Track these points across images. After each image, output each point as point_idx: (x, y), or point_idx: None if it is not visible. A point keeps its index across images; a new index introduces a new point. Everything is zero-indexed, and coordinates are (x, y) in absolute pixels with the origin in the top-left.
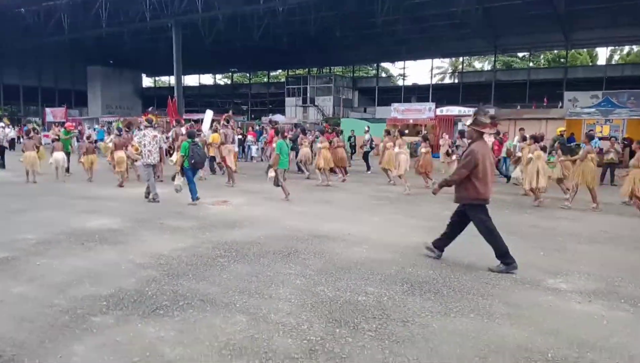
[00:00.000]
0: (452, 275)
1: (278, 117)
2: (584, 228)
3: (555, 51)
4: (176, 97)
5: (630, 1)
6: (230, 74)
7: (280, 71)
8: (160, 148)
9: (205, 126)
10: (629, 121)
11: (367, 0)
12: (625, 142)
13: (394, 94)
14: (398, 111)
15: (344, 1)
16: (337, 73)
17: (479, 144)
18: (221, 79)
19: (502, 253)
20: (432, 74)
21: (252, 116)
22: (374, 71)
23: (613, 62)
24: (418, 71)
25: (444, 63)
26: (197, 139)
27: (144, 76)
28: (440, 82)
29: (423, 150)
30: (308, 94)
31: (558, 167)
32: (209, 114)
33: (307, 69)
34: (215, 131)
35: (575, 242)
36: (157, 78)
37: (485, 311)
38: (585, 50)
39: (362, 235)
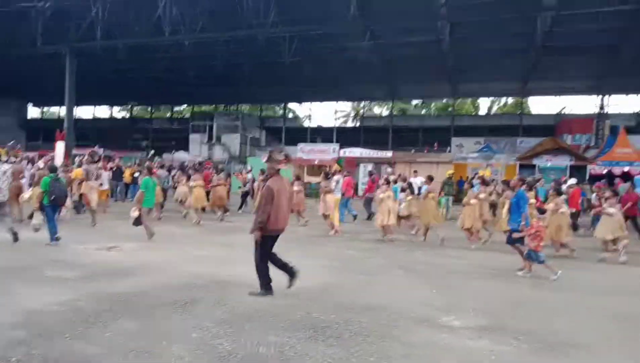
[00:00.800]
0: (354, 317)
1: (181, 154)
2: (469, 265)
3: (444, 100)
4: (65, 130)
5: (505, 59)
6: (130, 106)
7: (185, 106)
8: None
9: (58, 161)
10: (507, 166)
11: (275, 41)
12: (504, 185)
13: (300, 134)
14: (304, 151)
15: (253, 40)
16: (245, 111)
17: (275, 180)
18: (119, 112)
19: (265, 285)
20: (336, 116)
21: (153, 151)
22: (281, 111)
23: (492, 113)
24: (324, 113)
25: (346, 107)
26: (61, 175)
27: (30, 105)
28: (343, 124)
29: (295, 188)
30: (214, 132)
31: (406, 205)
32: (60, 147)
33: (213, 106)
34: (80, 165)
35: (464, 279)
36: (45, 109)
37: (384, 353)
38: (469, 100)
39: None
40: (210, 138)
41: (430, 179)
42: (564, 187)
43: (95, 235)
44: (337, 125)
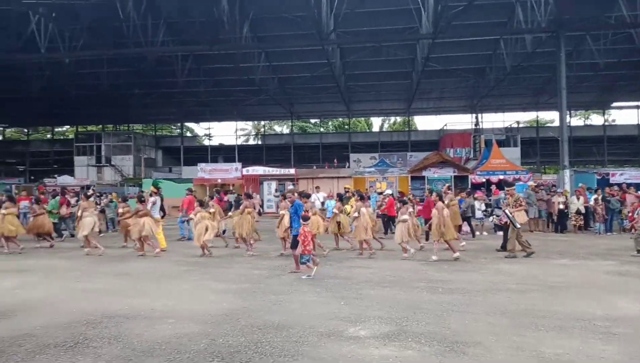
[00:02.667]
0: (264, 339)
1: (65, 178)
2: (373, 275)
3: (340, 119)
4: None
5: (389, 81)
6: (1, 128)
7: (67, 127)
8: None
9: None
10: (400, 178)
11: (167, 60)
12: (399, 196)
13: (200, 153)
14: (205, 171)
15: (141, 59)
16: (138, 131)
17: None
18: None
19: None
20: (236, 135)
21: (32, 177)
22: (178, 130)
23: (384, 130)
24: (223, 131)
25: (247, 125)
26: None
27: None
28: (245, 143)
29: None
30: (103, 153)
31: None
32: None
33: (100, 126)
34: None
35: (369, 288)
36: None
37: None
38: (363, 119)
39: (168, 308)
40: (98, 159)
41: (339, 197)
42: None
43: None
44: (238, 144)
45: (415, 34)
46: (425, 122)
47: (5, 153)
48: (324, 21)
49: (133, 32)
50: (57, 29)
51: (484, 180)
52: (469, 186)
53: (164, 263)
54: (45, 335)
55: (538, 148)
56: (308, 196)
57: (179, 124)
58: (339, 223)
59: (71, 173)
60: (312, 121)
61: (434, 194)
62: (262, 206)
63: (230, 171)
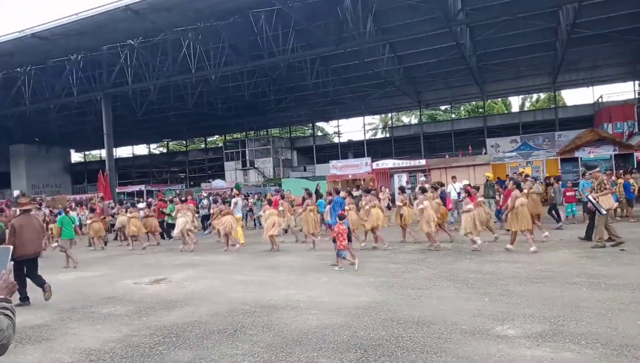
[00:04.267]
0: (404, 334)
1: (218, 182)
2: (522, 269)
3: (474, 102)
4: (108, 171)
5: (528, 55)
6: (165, 142)
7: (217, 136)
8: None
9: None
10: (547, 161)
11: (297, 65)
12: (547, 181)
13: (331, 151)
14: (336, 167)
15: (274, 67)
16: (275, 135)
17: (20, 218)
18: (156, 149)
19: (22, 298)
20: (364, 130)
21: (191, 183)
22: (310, 131)
23: (525, 109)
24: (352, 128)
25: (374, 119)
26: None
27: (72, 151)
28: (373, 137)
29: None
30: (247, 157)
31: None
32: None
33: (244, 133)
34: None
35: (517, 284)
36: (87, 152)
37: None
38: (499, 100)
39: (312, 299)
40: (244, 163)
41: (466, 191)
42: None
43: (144, 269)
44: (367, 138)
45: None
46: (576, 97)
47: (170, 163)
48: (450, 2)
49: (267, 44)
50: (203, 50)
51: None
52: (635, 166)
53: (306, 257)
54: (209, 322)
55: None
56: (368, 191)
57: (310, 125)
58: (401, 216)
59: (222, 176)
60: (442, 107)
61: (511, 182)
62: (392, 200)
63: (361, 166)
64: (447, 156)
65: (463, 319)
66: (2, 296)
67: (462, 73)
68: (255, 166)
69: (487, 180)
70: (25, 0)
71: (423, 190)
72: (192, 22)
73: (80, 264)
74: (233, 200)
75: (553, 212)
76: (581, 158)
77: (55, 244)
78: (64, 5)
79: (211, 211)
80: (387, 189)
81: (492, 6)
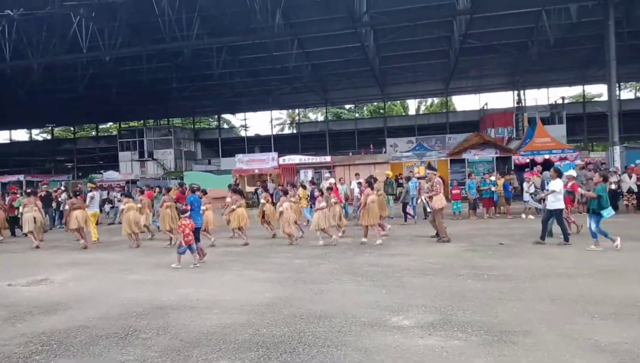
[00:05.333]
0: (307, 329)
1: (111, 173)
2: (414, 262)
3: (375, 103)
4: None
5: (425, 61)
6: (50, 128)
7: (111, 123)
8: None
9: None
10: (439, 162)
11: (202, 53)
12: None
13: (237, 144)
14: (242, 161)
15: (177, 53)
16: (177, 125)
17: None
18: (39, 135)
19: None
20: (272, 125)
21: (80, 174)
22: (215, 123)
23: (421, 112)
24: (259, 122)
25: (282, 114)
26: None
27: None
28: (280, 132)
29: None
30: (145, 148)
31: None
32: None
33: (142, 121)
34: None
35: (410, 276)
36: None
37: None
38: (398, 102)
39: (213, 298)
40: (141, 154)
41: (368, 183)
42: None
43: (20, 269)
44: (274, 133)
45: (452, 10)
46: (465, 103)
47: (55, 151)
48: (357, 3)
49: (169, 27)
50: (97, 29)
51: (528, 160)
52: (512, 167)
53: (210, 255)
54: (96, 326)
55: (585, 125)
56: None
57: (216, 117)
58: (264, 212)
59: (116, 168)
60: (347, 106)
61: (363, 181)
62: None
63: (267, 161)
64: (350, 154)
65: (362, 312)
66: None
67: (366, 74)
68: (155, 157)
69: (387, 178)
70: None
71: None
72: None
73: None
74: (89, 194)
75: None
76: (467, 159)
77: None
78: None
79: (65, 206)
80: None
81: (395, 11)
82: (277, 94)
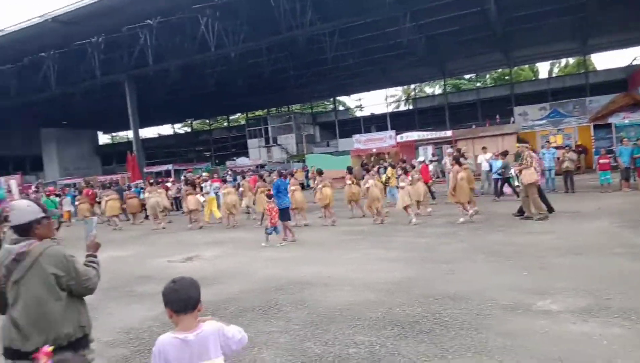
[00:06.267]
0: (442, 310)
1: (242, 160)
2: (557, 240)
3: (499, 70)
4: (135, 152)
5: (556, 19)
6: (189, 122)
7: (239, 114)
8: None
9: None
10: (579, 128)
11: (316, 39)
12: (579, 149)
13: (353, 125)
14: (360, 141)
15: (293, 42)
16: (296, 110)
17: None
18: (181, 128)
19: None
20: (387, 103)
21: (216, 161)
22: (331, 105)
23: (554, 75)
24: (374, 101)
25: (397, 91)
26: None
27: (100, 133)
28: (396, 109)
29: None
30: (270, 134)
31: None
32: (14, 185)
33: (266, 110)
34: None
35: (554, 256)
36: (114, 134)
37: (482, 347)
38: (526, 66)
39: (342, 275)
40: (266, 140)
41: (504, 154)
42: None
43: (175, 247)
44: (389, 111)
45: None
46: (606, 61)
47: (195, 142)
48: None
49: (284, 18)
50: (222, 28)
51: None
52: None
53: (332, 234)
54: (243, 299)
55: None
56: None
57: (332, 100)
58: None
59: (246, 154)
60: (467, 76)
61: (451, 158)
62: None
63: (385, 140)
64: (473, 127)
65: (501, 294)
66: (91, 253)
67: (486, 40)
68: (278, 142)
69: (518, 151)
70: None
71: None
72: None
73: (112, 244)
74: (206, 182)
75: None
76: (615, 124)
77: None
78: None
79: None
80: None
81: None
82: (391, 71)
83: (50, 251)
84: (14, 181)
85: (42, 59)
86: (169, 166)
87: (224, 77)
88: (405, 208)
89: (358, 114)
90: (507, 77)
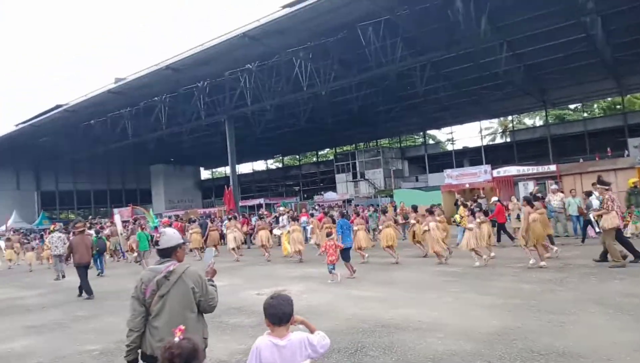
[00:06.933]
0: None
1: (330, 194)
2: None
3: (609, 98)
4: (232, 187)
5: None
6: (280, 158)
7: (328, 149)
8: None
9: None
10: None
11: (406, 74)
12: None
13: (444, 159)
14: (451, 176)
15: (383, 77)
16: (385, 145)
17: (76, 238)
18: (272, 164)
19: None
20: (481, 135)
21: (305, 195)
22: (420, 139)
23: None
24: (466, 134)
25: (492, 123)
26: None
27: (202, 169)
28: (491, 142)
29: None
30: (357, 169)
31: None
32: (118, 219)
33: (354, 145)
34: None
35: None
36: (214, 170)
37: None
38: None
39: (435, 320)
40: (354, 175)
41: (527, 201)
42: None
43: (264, 280)
44: (484, 144)
45: None
46: None
47: (285, 176)
48: None
49: (375, 55)
50: (313, 67)
51: None
52: None
53: (423, 274)
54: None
55: None
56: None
57: (421, 133)
58: (414, 232)
59: (334, 189)
60: (572, 106)
61: (523, 200)
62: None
63: (479, 175)
64: (581, 161)
65: (621, 353)
66: (209, 278)
67: (593, 67)
68: (366, 177)
69: (634, 186)
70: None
71: (529, 201)
72: (303, 42)
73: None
74: (282, 216)
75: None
76: None
77: (135, 254)
78: (189, 38)
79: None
80: (515, 199)
81: None
82: (485, 102)
83: (190, 270)
84: (118, 216)
85: (155, 103)
86: (261, 200)
87: (314, 114)
88: (473, 250)
89: (449, 147)
90: (618, 106)
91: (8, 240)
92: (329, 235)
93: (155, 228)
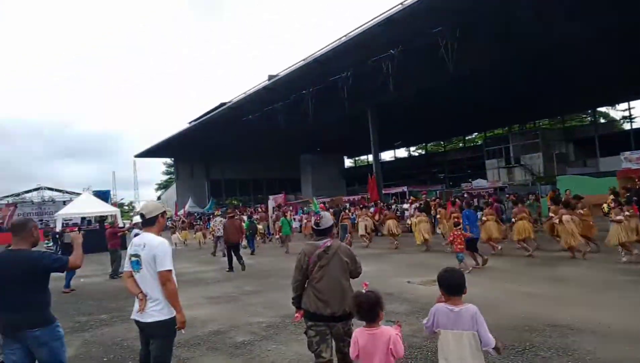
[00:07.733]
0: None
1: (479, 181)
2: None
3: None
4: (375, 174)
5: None
6: (424, 144)
7: (476, 133)
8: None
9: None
10: None
11: (570, 44)
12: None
13: (619, 141)
14: (631, 160)
15: (541, 52)
16: (545, 126)
17: (227, 221)
18: (415, 151)
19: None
20: None
21: (450, 183)
22: (589, 118)
23: None
24: None
25: None
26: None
27: (345, 157)
28: None
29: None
30: (511, 154)
31: None
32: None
33: (506, 128)
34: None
35: None
36: (357, 158)
37: None
38: None
39: (619, 326)
40: (507, 160)
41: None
42: None
43: (413, 268)
44: None
45: None
46: None
47: (429, 164)
48: None
49: (530, 27)
50: (455, 47)
51: None
52: None
53: (599, 271)
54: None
55: None
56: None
57: (589, 112)
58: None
59: (483, 176)
60: None
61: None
62: None
63: None
64: None
65: None
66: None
67: None
68: (522, 163)
69: None
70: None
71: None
72: (447, 21)
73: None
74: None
75: None
76: None
77: (277, 237)
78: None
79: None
80: None
81: None
82: None
83: (343, 246)
84: (271, 201)
85: (303, 96)
86: (404, 188)
87: (460, 97)
88: (621, 244)
89: (626, 126)
90: None
91: (182, 222)
92: (456, 224)
93: (317, 213)
